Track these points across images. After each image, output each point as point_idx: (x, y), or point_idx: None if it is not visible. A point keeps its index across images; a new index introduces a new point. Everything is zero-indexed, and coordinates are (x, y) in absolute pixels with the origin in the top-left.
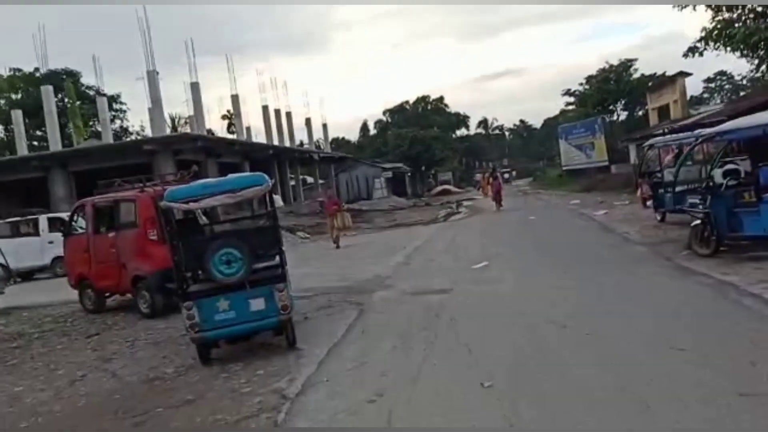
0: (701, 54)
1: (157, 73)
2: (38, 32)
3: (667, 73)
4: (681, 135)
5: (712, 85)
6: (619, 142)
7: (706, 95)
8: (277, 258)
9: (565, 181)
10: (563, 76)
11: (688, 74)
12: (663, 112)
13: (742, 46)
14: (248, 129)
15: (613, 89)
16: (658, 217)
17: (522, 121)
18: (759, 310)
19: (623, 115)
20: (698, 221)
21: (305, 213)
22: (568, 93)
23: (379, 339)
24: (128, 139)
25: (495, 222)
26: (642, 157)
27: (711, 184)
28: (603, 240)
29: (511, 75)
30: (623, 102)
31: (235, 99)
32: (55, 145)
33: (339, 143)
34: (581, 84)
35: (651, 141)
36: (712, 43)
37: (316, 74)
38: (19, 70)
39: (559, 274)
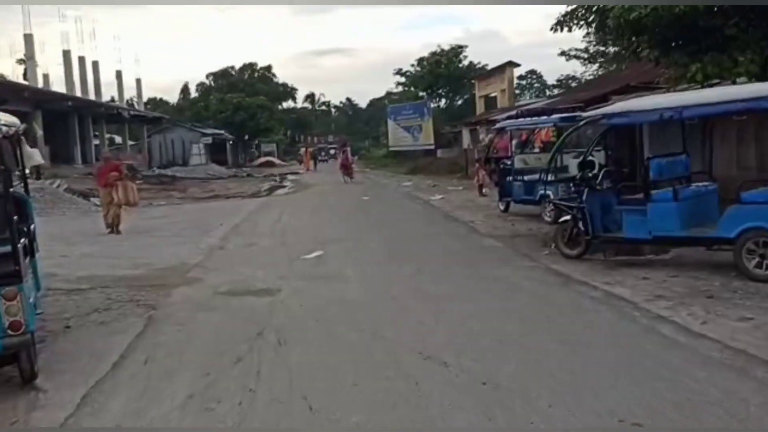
0: (570, 29)
1: None
2: None
3: (488, 66)
4: (538, 119)
5: (524, 82)
6: (444, 127)
7: (517, 91)
8: (9, 245)
9: (390, 161)
10: (389, 59)
11: (516, 65)
12: (490, 100)
13: (616, 24)
14: (46, 77)
15: (443, 73)
16: (502, 207)
17: (348, 99)
18: (693, 347)
19: (447, 101)
20: (568, 217)
21: None
22: (399, 73)
23: (169, 377)
24: None
25: (325, 200)
26: (489, 142)
27: (590, 175)
28: (450, 230)
29: (340, 54)
30: (448, 88)
31: (28, 39)
32: None
33: (157, 104)
34: (413, 65)
35: (502, 124)
36: (576, 21)
37: (132, 30)
38: None
39: (413, 272)
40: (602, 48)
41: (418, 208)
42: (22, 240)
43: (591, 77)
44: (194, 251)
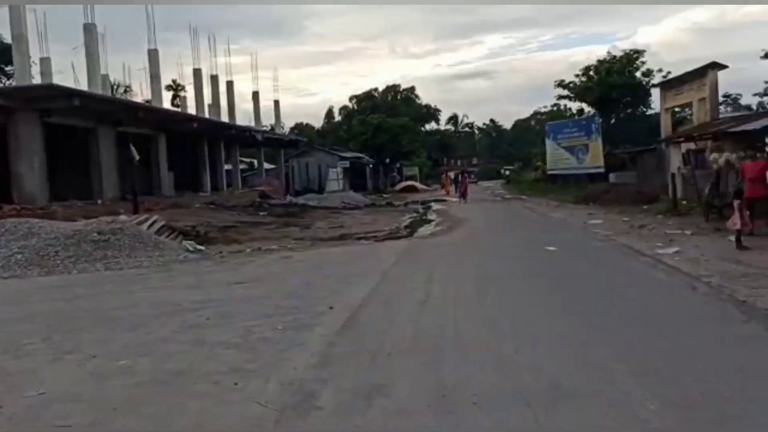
0: None
1: None
2: None
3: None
4: None
5: None
6: (620, 146)
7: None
8: None
9: (549, 187)
10: (532, 81)
11: (723, 66)
12: (679, 113)
13: None
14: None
15: (619, 83)
16: None
17: (492, 121)
18: None
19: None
20: None
21: (232, 206)
22: (561, 85)
23: None
24: None
25: (488, 250)
26: (726, 164)
27: None
28: None
29: (481, 77)
30: (627, 100)
31: (153, 55)
32: None
33: (302, 129)
34: (577, 76)
35: None
36: None
37: (283, 61)
38: None
39: None
40: None
41: (660, 277)
42: None
43: None
44: (247, 412)
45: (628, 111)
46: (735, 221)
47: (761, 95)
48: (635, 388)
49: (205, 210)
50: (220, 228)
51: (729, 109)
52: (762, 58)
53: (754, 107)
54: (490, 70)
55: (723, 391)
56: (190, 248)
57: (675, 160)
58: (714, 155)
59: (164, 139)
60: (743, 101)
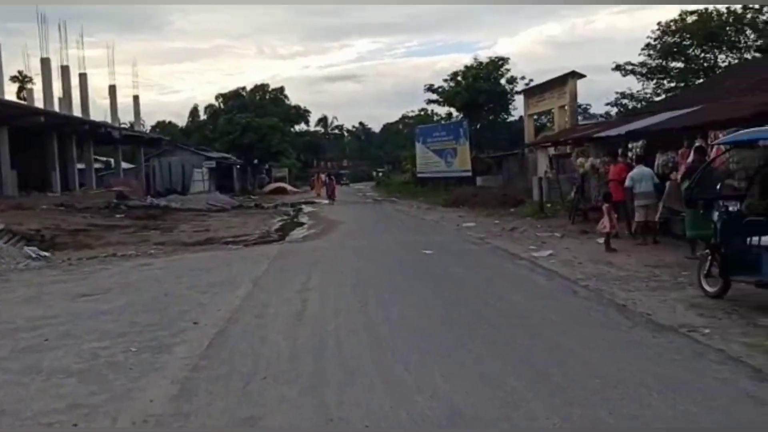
0: None
1: None
2: None
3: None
4: None
5: None
6: (485, 150)
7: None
8: None
9: (418, 190)
10: (400, 86)
11: (581, 75)
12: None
13: None
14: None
15: (485, 88)
16: (710, 288)
17: (361, 124)
18: None
19: (480, 123)
20: None
21: (85, 207)
22: (431, 89)
23: None
24: None
25: (365, 255)
26: (592, 168)
27: None
28: (685, 365)
29: (350, 80)
30: (491, 106)
31: None
32: None
33: (164, 127)
34: (446, 81)
35: (745, 133)
36: None
37: (145, 56)
38: None
39: None
40: (663, 63)
41: (540, 281)
42: None
43: (648, 95)
44: None
45: (491, 117)
46: (605, 224)
47: (612, 104)
48: (539, 408)
49: (53, 212)
50: (70, 232)
51: (580, 117)
52: (613, 69)
53: (604, 116)
54: (359, 74)
55: (630, 409)
56: (33, 255)
57: (542, 164)
58: (580, 159)
59: (6, 133)
60: (592, 111)
